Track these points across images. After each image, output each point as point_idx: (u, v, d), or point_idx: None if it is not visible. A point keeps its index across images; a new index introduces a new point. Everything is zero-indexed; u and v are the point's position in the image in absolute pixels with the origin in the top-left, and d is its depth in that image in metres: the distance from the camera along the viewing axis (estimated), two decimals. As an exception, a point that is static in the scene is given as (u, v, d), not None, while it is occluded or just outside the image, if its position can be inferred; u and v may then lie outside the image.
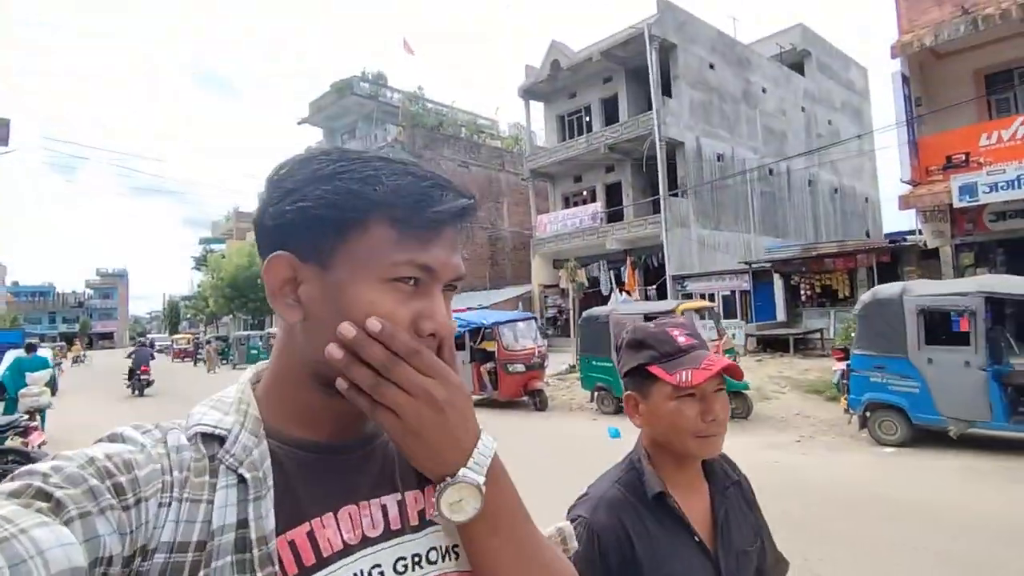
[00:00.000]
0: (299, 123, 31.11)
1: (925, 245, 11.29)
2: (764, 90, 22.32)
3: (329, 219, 0.52)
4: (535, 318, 12.20)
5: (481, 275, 28.11)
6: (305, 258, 0.53)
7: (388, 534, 0.57)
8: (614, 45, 19.21)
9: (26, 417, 6.79)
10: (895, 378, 6.25)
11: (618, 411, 9.25)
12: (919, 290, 6.22)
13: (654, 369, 1.01)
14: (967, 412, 5.90)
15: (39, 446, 6.34)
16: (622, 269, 19.68)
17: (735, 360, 11.38)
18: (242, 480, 0.51)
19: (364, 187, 0.52)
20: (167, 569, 0.46)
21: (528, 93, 22.65)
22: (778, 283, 15.05)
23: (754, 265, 14.57)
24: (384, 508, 0.58)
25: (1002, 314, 6.39)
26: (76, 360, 35.07)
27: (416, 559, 0.57)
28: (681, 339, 1.03)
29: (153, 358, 16.93)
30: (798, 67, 24.62)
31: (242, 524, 0.49)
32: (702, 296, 17.24)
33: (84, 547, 0.41)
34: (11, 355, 8.95)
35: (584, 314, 10.27)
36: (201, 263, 46.33)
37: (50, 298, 74.38)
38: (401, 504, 0.59)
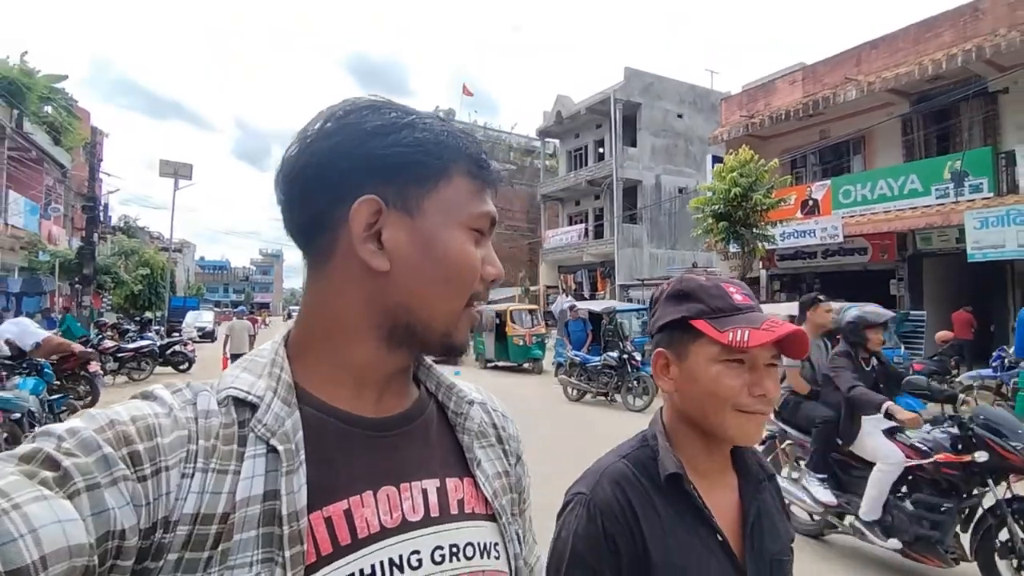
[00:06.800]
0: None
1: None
2: (742, 129, 26.29)
3: (424, 165, 0.54)
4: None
5: (515, 274, 34.82)
6: (390, 204, 0.53)
7: (428, 520, 0.55)
8: (595, 103, 24.67)
9: (185, 338, 15.13)
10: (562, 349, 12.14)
11: (484, 366, 15.64)
12: (562, 304, 11.94)
13: (700, 323, 0.82)
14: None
15: (191, 351, 14.45)
16: (595, 277, 25.29)
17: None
18: (272, 450, 0.49)
19: (449, 138, 0.55)
20: (190, 541, 0.44)
21: (542, 133, 28.76)
22: (677, 295, 20.11)
23: (647, 280, 19.70)
24: (425, 492, 0.56)
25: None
26: (263, 324, 52.87)
27: (454, 550, 0.55)
28: (737, 296, 0.84)
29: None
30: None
31: (270, 496, 0.47)
32: (638, 300, 22.57)
33: (91, 521, 0.39)
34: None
35: (484, 309, 16.70)
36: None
37: (226, 271, 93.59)
38: (441, 491, 0.57)
